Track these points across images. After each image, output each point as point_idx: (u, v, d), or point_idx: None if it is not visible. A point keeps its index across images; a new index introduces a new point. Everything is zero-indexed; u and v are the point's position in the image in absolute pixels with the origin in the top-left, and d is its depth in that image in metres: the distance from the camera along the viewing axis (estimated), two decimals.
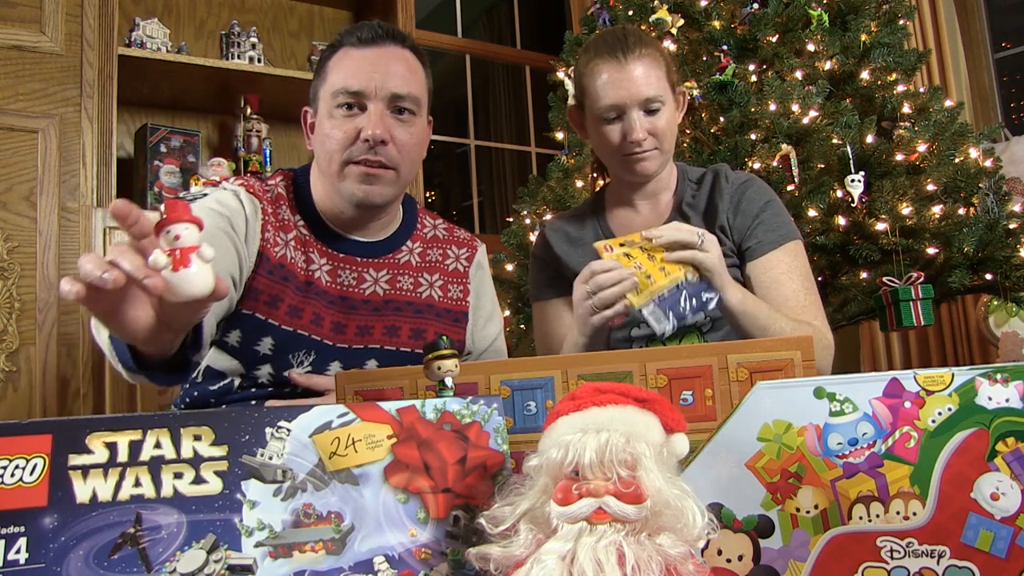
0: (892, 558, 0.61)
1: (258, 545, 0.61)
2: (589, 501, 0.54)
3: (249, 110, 2.78)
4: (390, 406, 0.67)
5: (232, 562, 0.60)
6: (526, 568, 0.54)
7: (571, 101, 1.48)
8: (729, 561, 0.63)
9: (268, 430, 0.63)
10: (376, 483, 0.65)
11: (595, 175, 1.64)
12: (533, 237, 2.63)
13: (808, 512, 0.63)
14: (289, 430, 0.64)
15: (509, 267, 2.69)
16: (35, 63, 2.28)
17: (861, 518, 0.62)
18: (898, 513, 0.62)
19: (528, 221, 2.70)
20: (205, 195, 1.22)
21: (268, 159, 2.78)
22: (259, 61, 2.74)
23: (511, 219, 2.84)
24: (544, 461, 0.57)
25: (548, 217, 1.59)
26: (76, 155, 2.30)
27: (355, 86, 1.19)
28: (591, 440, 0.56)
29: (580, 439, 0.56)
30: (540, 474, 0.58)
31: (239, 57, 2.72)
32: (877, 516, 0.62)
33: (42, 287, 2.21)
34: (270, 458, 0.63)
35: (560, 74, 2.80)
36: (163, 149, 2.56)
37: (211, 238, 1.14)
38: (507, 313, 2.69)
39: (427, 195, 4.21)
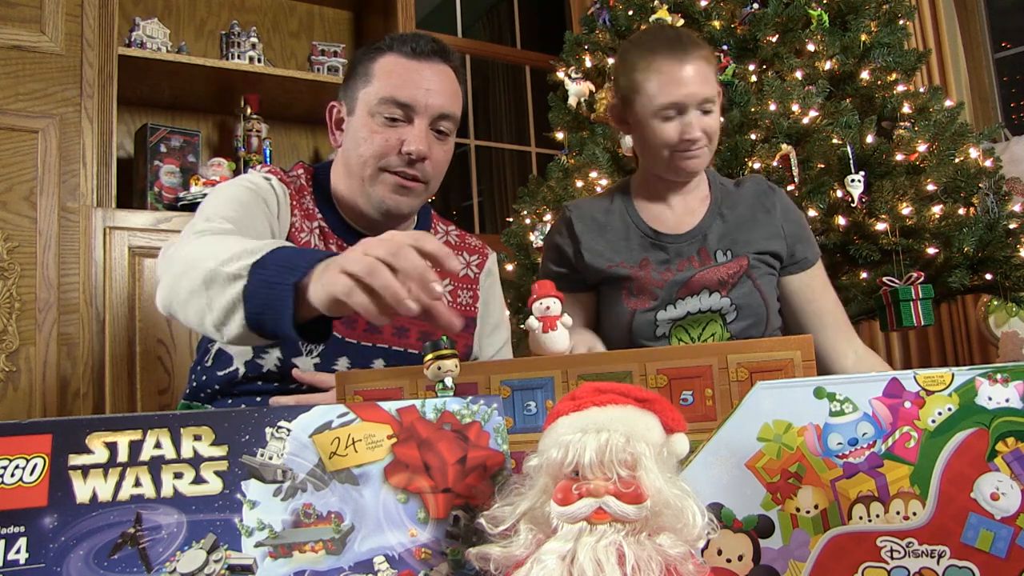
0: (892, 558, 0.61)
1: (258, 545, 0.61)
2: (589, 501, 0.54)
3: (249, 110, 2.78)
4: (390, 406, 0.67)
5: (232, 562, 0.60)
6: (526, 568, 0.54)
7: (608, 98, 1.51)
8: (729, 561, 0.63)
9: (268, 430, 0.63)
10: (376, 483, 0.65)
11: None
12: (533, 237, 2.63)
13: (808, 512, 0.63)
14: (289, 430, 0.64)
15: (509, 267, 2.69)
16: (35, 63, 2.28)
17: (861, 518, 0.62)
18: (898, 513, 0.62)
19: (528, 221, 2.70)
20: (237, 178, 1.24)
21: (268, 159, 2.78)
22: (259, 61, 2.74)
23: (511, 219, 2.84)
24: (544, 461, 0.57)
25: (569, 203, 1.60)
26: (76, 155, 2.29)
27: (404, 98, 1.21)
28: (591, 440, 0.56)
29: (580, 439, 0.56)
30: (540, 474, 0.58)
31: (239, 57, 2.72)
32: (877, 516, 0.62)
33: (42, 287, 2.20)
34: (270, 458, 0.63)
35: (560, 74, 2.80)
36: (163, 149, 2.56)
37: (247, 209, 1.16)
38: (507, 313, 2.68)
39: None
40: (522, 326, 0.95)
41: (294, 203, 1.25)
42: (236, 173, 2.68)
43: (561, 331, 0.90)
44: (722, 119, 1.55)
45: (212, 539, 0.60)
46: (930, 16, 3.45)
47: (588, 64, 2.73)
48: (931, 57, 3.34)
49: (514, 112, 4.24)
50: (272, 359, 1.22)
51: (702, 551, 0.61)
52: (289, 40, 3.09)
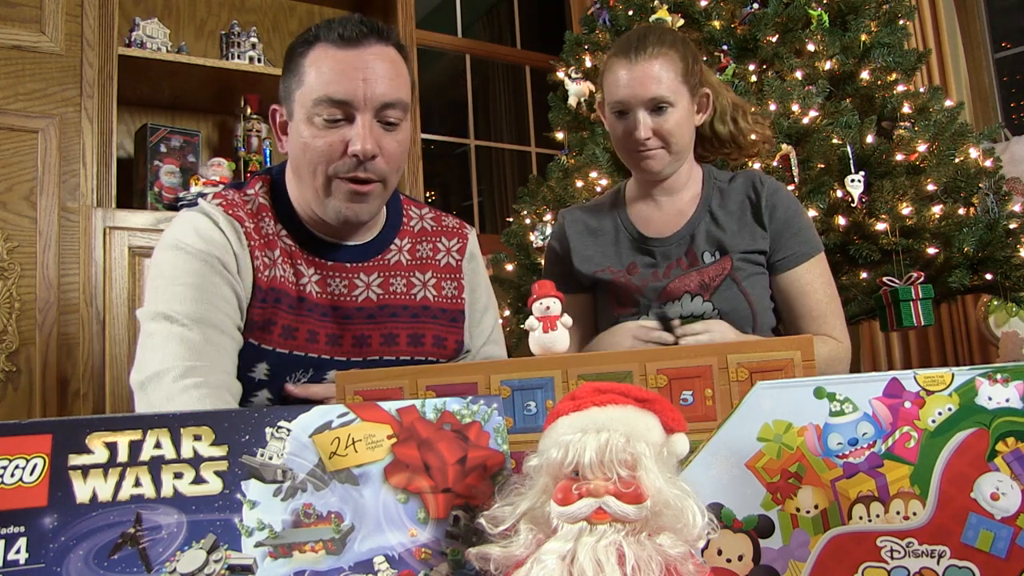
0: (892, 558, 0.61)
1: (258, 545, 0.61)
2: (589, 501, 0.54)
3: (249, 110, 2.78)
4: (390, 406, 0.67)
5: (232, 562, 0.60)
6: (526, 568, 0.54)
7: (599, 96, 1.52)
8: (729, 561, 0.63)
9: (268, 430, 0.64)
10: (376, 483, 0.65)
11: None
12: (533, 237, 2.63)
13: (808, 512, 0.63)
14: (289, 430, 0.64)
15: (509, 267, 2.69)
16: (35, 63, 2.28)
17: (861, 518, 0.62)
18: (898, 513, 0.62)
19: (528, 221, 2.70)
20: (186, 232, 1.15)
21: (268, 159, 2.78)
22: (259, 61, 2.74)
23: (511, 219, 2.84)
24: (544, 461, 0.57)
25: (566, 208, 1.63)
26: (76, 155, 2.29)
27: (340, 94, 1.10)
28: (591, 440, 0.56)
29: (580, 439, 0.56)
30: (540, 474, 0.58)
31: (239, 57, 2.72)
32: (877, 516, 0.62)
33: (42, 287, 2.20)
34: (270, 458, 0.63)
35: (560, 74, 2.80)
36: (163, 149, 2.56)
37: (208, 292, 1.09)
38: (507, 313, 2.69)
39: (427, 195, 4.21)
40: (522, 326, 0.95)
41: (252, 242, 1.15)
42: (236, 173, 2.68)
43: (561, 331, 0.89)
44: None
45: (212, 539, 0.60)
46: (930, 16, 3.45)
47: (588, 64, 2.73)
48: (931, 57, 3.34)
49: (514, 112, 4.24)
50: (261, 400, 1.19)
51: (702, 551, 0.61)
52: (289, 40, 3.08)
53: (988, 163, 2.26)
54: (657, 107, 1.36)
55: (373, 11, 3.13)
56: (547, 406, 0.85)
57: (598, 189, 2.41)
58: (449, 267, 1.34)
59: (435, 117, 4.04)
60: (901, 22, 2.47)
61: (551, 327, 0.89)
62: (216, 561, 0.59)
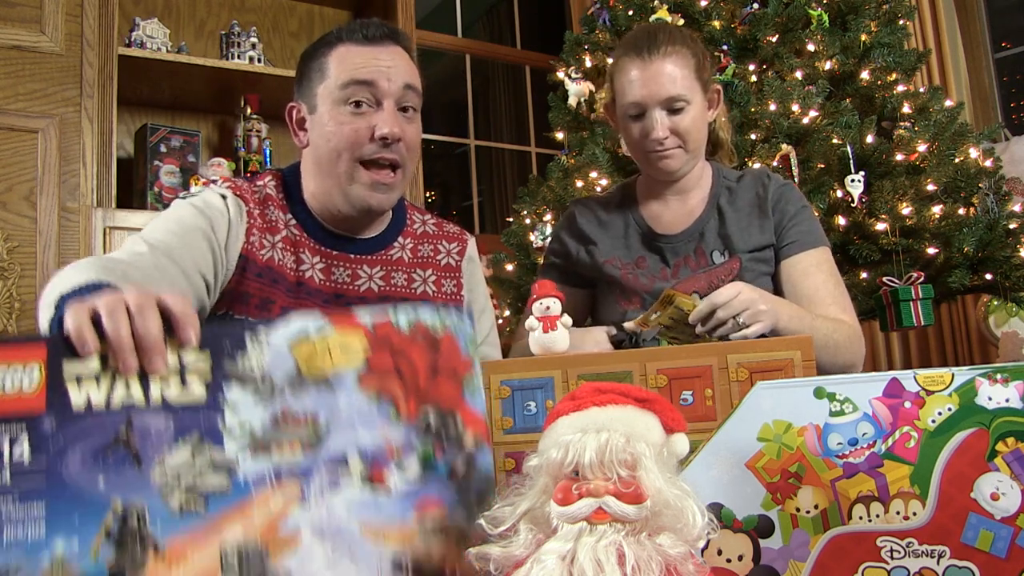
0: (892, 558, 0.61)
1: (239, 446, 0.65)
2: (589, 501, 0.54)
3: (249, 110, 2.78)
4: (365, 318, 0.71)
5: (215, 459, 0.65)
6: (526, 568, 0.54)
7: (606, 96, 1.51)
8: (729, 561, 0.63)
9: (248, 339, 0.68)
10: (350, 387, 0.69)
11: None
12: (533, 237, 2.63)
13: (808, 512, 0.63)
14: (269, 339, 0.68)
15: (509, 267, 2.69)
16: (35, 63, 2.28)
17: (861, 518, 0.62)
18: (898, 513, 0.62)
19: (528, 221, 2.70)
20: (194, 195, 1.23)
21: (268, 159, 2.78)
22: (259, 61, 2.74)
23: (511, 219, 2.84)
24: (544, 461, 0.57)
25: (573, 200, 1.64)
26: (76, 155, 2.29)
27: (366, 75, 1.18)
28: (591, 440, 0.56)
29: (580, 439, 0.56)
30: (540, 474, 0.58)
31: (239, 57, 2.72)
32: (877, 516, 0.62)
33: (42, 287, 2.20)
34: (251, 365, 0.68)
35: (560, 74, 2.80)
36: (163, 149, 2.56)
37: (185, 234, 1.14)
38: (507, 313, 2.69)
39: (427, 195, 4.21)
40: (527, 325, 0.95)
41: (252, 221, 1.21)
42: (236, 173, 2.68)
43: (561, 331, 0.90)
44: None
45: (197, 439, 0.65)
46: (930, 16, 3.45)
47: (588, 64, 2.73)
48: (931, 57, 3.34)
49: (514, 112, 4.24)
50: None
51: (702, 551, 0.61)
52: (289, 40, 3.09)
53: (988, 163, 2.26)
54: (673, 107, 1.35)
55: (373, 11, 3.13)
56: (547, 406, 0.85)
57: (598, 189, 2.41)
58: (449, 267, 1.39)
59: (435, 117, 4.04)
60: (901, 22, 2.47)
61: (551, 327, 0.89)
62: (200, 458, 0.65)
